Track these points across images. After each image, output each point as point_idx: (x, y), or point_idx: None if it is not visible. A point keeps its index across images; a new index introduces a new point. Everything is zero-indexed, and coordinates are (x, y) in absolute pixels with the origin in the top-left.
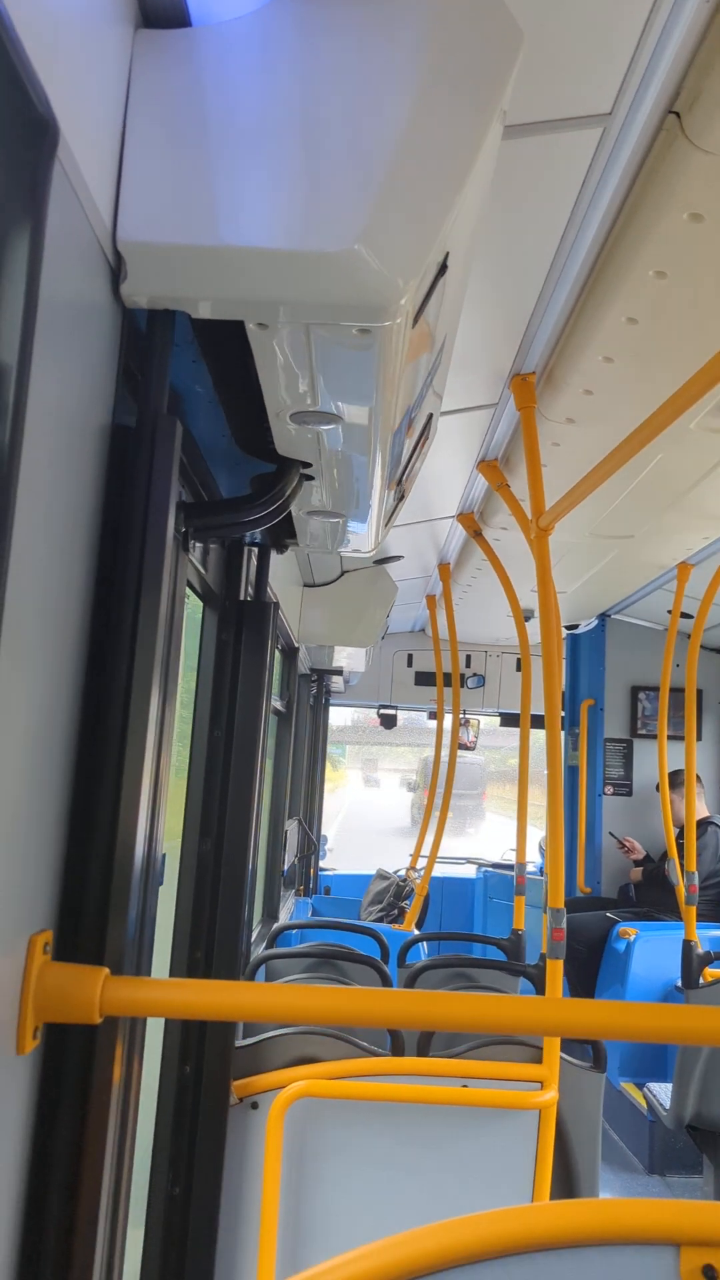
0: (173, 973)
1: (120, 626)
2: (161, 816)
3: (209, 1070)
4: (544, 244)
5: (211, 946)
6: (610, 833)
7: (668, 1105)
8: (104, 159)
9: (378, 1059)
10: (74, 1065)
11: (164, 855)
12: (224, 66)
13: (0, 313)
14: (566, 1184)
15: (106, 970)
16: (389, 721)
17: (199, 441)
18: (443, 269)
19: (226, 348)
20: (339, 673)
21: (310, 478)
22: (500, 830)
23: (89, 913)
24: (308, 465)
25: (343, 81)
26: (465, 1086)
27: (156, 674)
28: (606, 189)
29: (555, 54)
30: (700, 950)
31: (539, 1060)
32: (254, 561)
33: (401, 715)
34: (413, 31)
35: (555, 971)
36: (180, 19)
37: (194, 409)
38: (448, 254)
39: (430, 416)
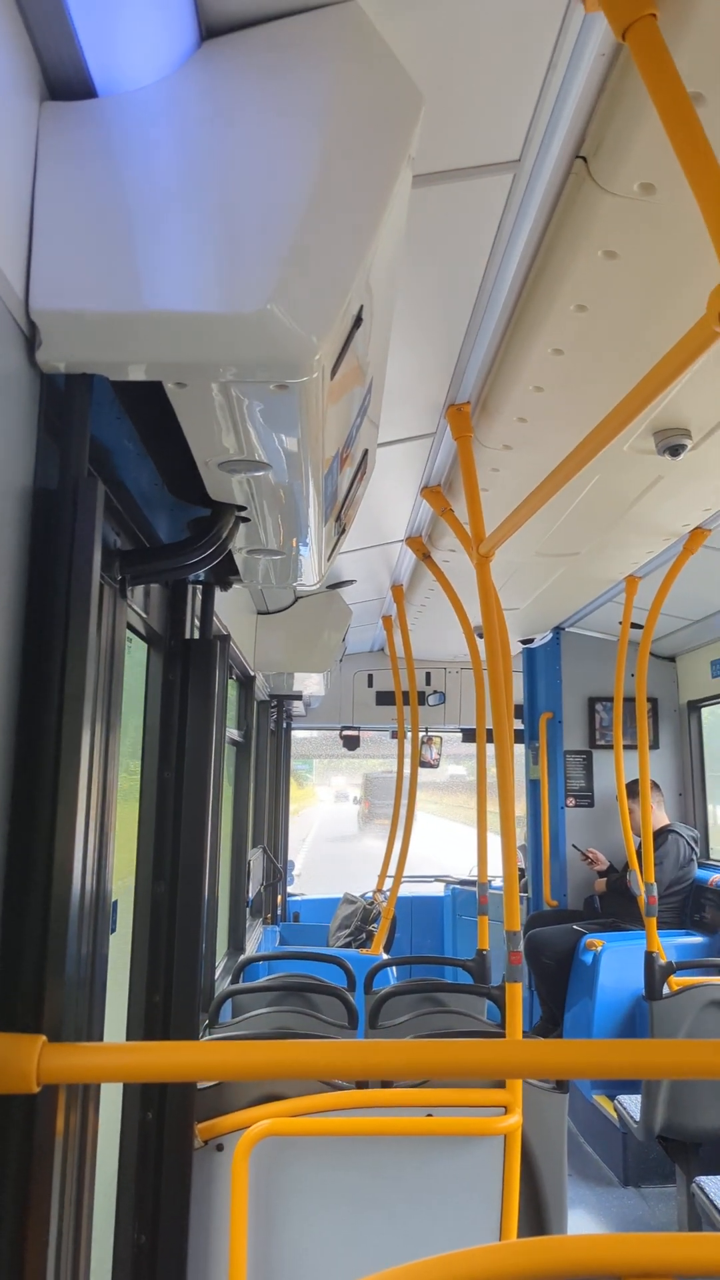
0: (130, 1016)
1: (48, 684)
2: (107, 866)
3: (171, 1114)
4: (468, 281)
5: (170, 988)
6: (574, 845)
7: (638, 1117)
8: (12, 230)
9: (341, 1093)
10: (15, 1133)
11: (115, 902)
12: (131, 136)
13: None
14: (534, 1206)
15: (43, 1038)
16: (351, 743)
17: (131, 490)
18: (358, 321)
19: (149, 402)
20: (299, 697)
21: (246, 519)
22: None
23: (25, 974)
24: (242, 508)
25: (247, 145)
26: (430, 1115)
27: (88, 723)
28: (522, 230)
29: (462, 105)
30: (663, 960)
31: (503, 1085)
32: (199, 599)
33: (365, 733)
34: (315, 98)
35: (514, 996)
36: (86, 90)
37: (123, 461)
38: (362, 306)
39: (366, 451)
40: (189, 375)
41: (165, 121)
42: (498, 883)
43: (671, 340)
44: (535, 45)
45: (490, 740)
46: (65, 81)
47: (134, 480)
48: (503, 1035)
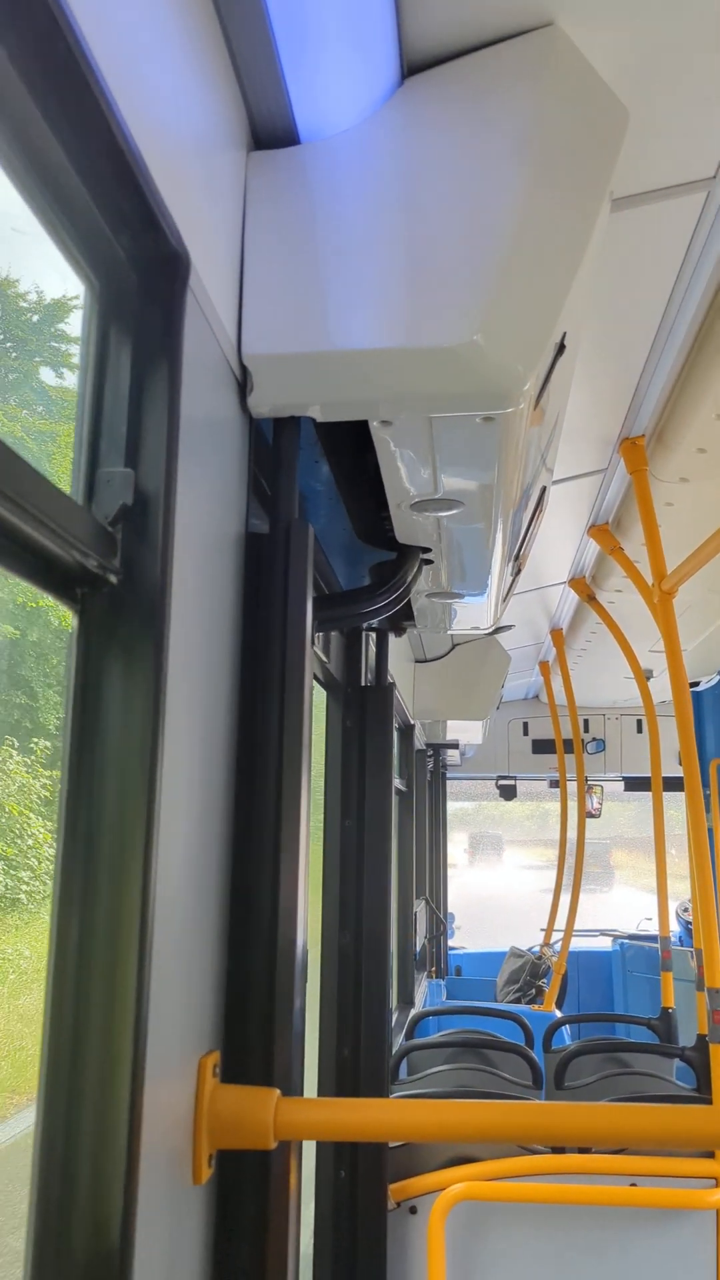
0: (320, 1072)
1: (267, 730)
2: (306, 916)
3: (364, 1174)
4: (650, 308)
5: (358, 1042)
6: None
7: None
8: (227, 280)
9: (538, 1158)
10: (250, 1190)
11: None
12: (333, 179)
13: (144, 436)
14: None
15: (278, 1091)
16: (509, 792)
17: (319, 535)
18: (560, 349)
19: (346, 445)
20: (455, 745)
21: (430, 562)
22: (629, 898)
23: (254, 1026)
24: (427, 550)
25: (451, 179)
26: (634, 1185)
27: (303, 776)
28: (713, 250)
29: (659, 123)
30: None
31: (712, 1155)
32: (373, 647)
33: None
34: (520, 126)
35: (719, 1056)
36: (289, 138)
37: (315, 505)
38: (565, 334)
39: (544, 489)
40: (393, 411)
41: (367, 163)
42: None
43: None
44: None
45: (667, 789)
46: (271, 130)
47: (322, 524)
48: (699, 1097)
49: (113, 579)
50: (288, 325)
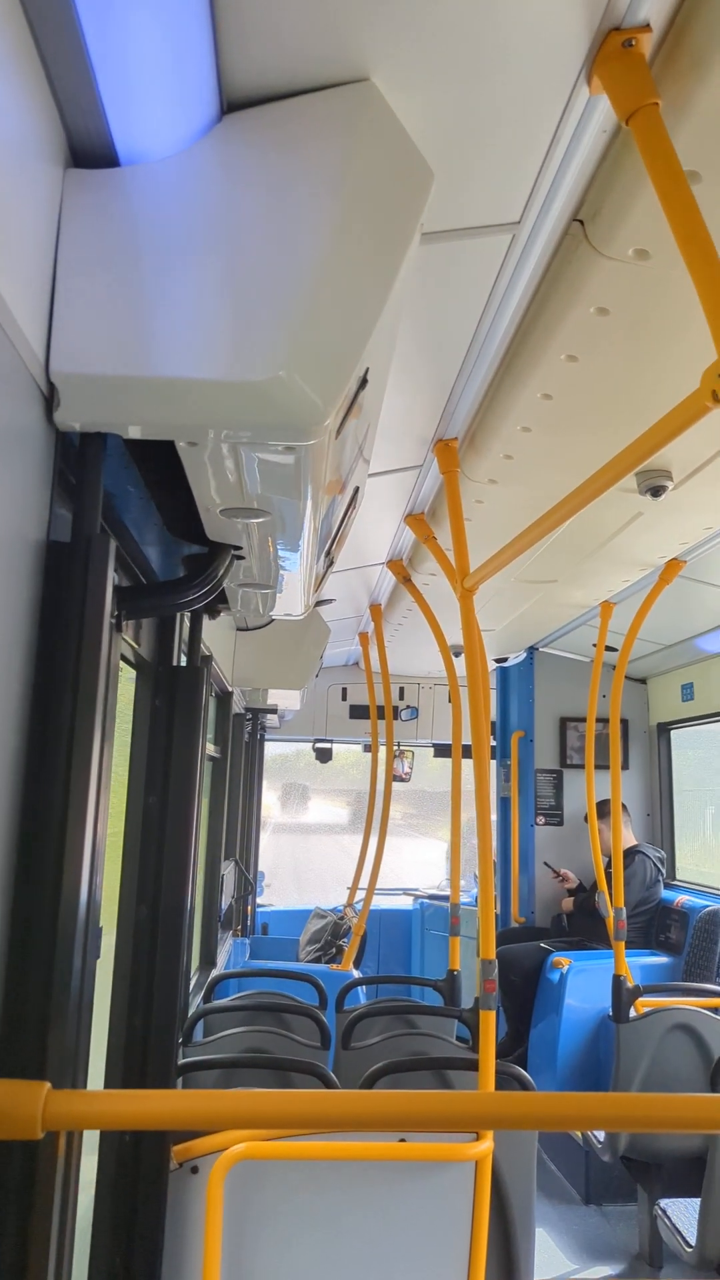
0: (110, 1040)
1: (59, 723)
2: (99, 903)
3: (148, 1136)
4: (462, 328)
5: (150, 1012)
6: (545, 863)
7: (602, 1138)
8: (35, 295)
9: None
10: (15, 1176)
11: (100, 930)
12: (152, 205)
13: None
14: (503, 1229)
15: (48, 1085)
16: (324, 755)
17: (133, 531)
18: (363, 382)
19: (156, 451)
20: (274, 710)
21: (241, 557)
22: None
23: (29, 1021)
24: (238, 547)
25: (264, 217)
26: (403, 1140)
27: (95, 762)
28: (518, 286)
29: (468, 173)
30: (630, 984)
31: None
32: (186, 627)
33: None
34: (330, 172)
35: (488, 1023)
36: (109, 159)
37: (125, 503)
38: (368, 369)
39: (358, 489)
40: (200, 435)
41: (184, 193)
42: (467, 897)
43: (659, 392)
44: (541, 121)
45: (465, 757)
46: (89, 150)
47: (135, 523)
48: (472, 1058)
49: None
50: (100, 346)
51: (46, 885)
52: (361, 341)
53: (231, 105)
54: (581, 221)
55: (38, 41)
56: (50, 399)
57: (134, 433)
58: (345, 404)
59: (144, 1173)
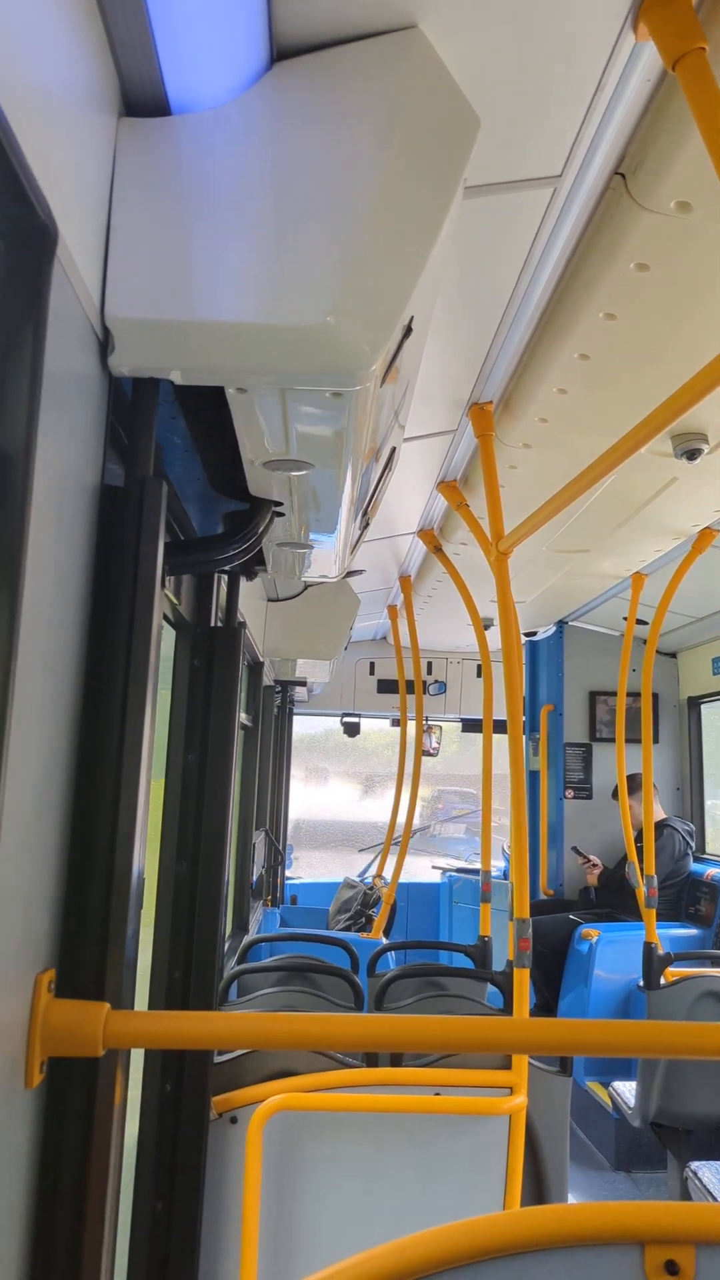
0: (152, 993)
1: (114, 671)
2: (144, 845)
3: (189, 1087)
4: (500, 287)
5: (189, 966)
6: (574, 848)
7: (632, 1103)
8: (93, 245)
9: (352, 1070)
10: (77, 1095)
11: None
12: (203, 153)
13: (6, 391)
14: (537, 1185)
15: (108, 1005)
16: (352, 729)
17: (174, 483)
18: (408, 331)
19: (203, 402)
20: (303, 683)
21: (281, 514)
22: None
23: (89, 948)
24: (279, 504)
25: (313, 166)
26: (438, 1094)
27: (147, 714)
28: (558, 241)
29: (511, 123)
30: (661, 952)
31: (508, 1066)
32: (224, 589)
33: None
34: (378, 120)
35: (522, 980)
36: (161, 108)
37: (171, 456)
38: (413, 317)
39: (394, 449)
40: (249, 380)
41: (234, 140)
42: (496, 871)
43: (697, 350)
44: (585, 69)
45: (497, 731)
46: (143, 99)
47: (177, 473)
48: (507, 1015)
49: None
50: (151, 291)
51: (102, 825)
52: (408, 289)
53: (281, 54)
54: (623, 175)
55: None
56: (105, 344)
57: (185, 378)
58: (391, 351)
59: (184, 1122)
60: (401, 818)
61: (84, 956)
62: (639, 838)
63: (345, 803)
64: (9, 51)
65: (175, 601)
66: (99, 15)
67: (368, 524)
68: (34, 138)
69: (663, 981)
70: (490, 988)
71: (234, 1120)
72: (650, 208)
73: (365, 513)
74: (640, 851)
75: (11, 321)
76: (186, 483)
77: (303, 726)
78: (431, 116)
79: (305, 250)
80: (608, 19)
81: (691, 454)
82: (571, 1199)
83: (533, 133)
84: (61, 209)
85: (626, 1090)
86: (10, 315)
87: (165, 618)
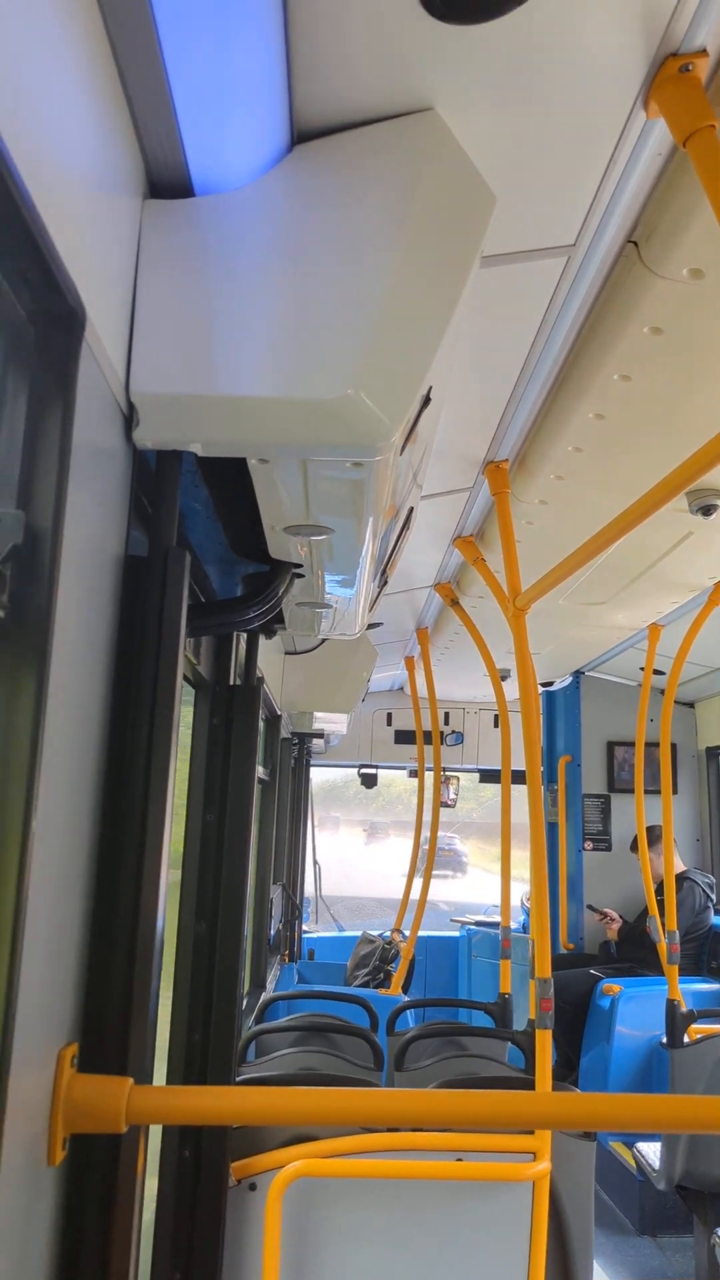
0: (170, 1054)
1: (137, 741)
2: (165, 912)
3: (208, 1153)
4: (516, 349)
5: (208, 1028)
6: (590, 906)
7: (657, 1166)
8: (119, 324)
9: (372, 1135)
10: (100, 1169)
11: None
12: (225, 233)
13: (37, 466)
14: (561, 1251)
15: (131, 1080)
16: (369, 781)
17: (195, 547)
18: (426, 400)
19: (225, 469)
20: (320, 735)
21: (301, 576)
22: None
23: (112, 1019)
24: (299, 565)
25: (333, 244)
26: (460, 1159)
27: (169, 782)
28: (572, 306)
29: (526, 196)
30: (684, 1009)
31: (531, 1131)
32: (243, 647)
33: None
34: (397, 199)
35: (545, 1042)
36: (184, 189)
37: (193, 522)
38: (430, 387)
39: (412, 509)
40: (270, 452)
41: (256, 220)
42: (515, 924)
43: (712, 411)
44: (598, 146)
45: (515, 782)
46: (167, 181)
47: (201, 540)
48: (526, 1079)
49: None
50: (175, 367)
51: (126, 894)
52: (426, 361)
53: (301, 136)
54: (635, 243)
55: (123, 76)
56: (130, 418)
57: (207, 450)
58: (410, 422)
59: (203, 1189)
60: (420, 871)
61: (106, 1028)
62: (659, 890)
63: (368, 853)
64: (39, 142)
65: (194, 661)
66: (125, 100)
67: (386, 581)
68: (63, 224)
69: (686, 1040)
70: (511, 1045)
71: (253, 1187)
72: (663, 274)
73: (384, 571)
74: (661, 905)
75: (42, 400)
76: (208, 547)
77: (323, 774)
78: (448, 195)
79: (325, 326)
80: (619, 99)
81: (707, 510)
82: (596, 1264)
83: (547, 205)
84: (89, 292)
85: (651, 1152)
86: (41, 394)
87: (185, 677)
